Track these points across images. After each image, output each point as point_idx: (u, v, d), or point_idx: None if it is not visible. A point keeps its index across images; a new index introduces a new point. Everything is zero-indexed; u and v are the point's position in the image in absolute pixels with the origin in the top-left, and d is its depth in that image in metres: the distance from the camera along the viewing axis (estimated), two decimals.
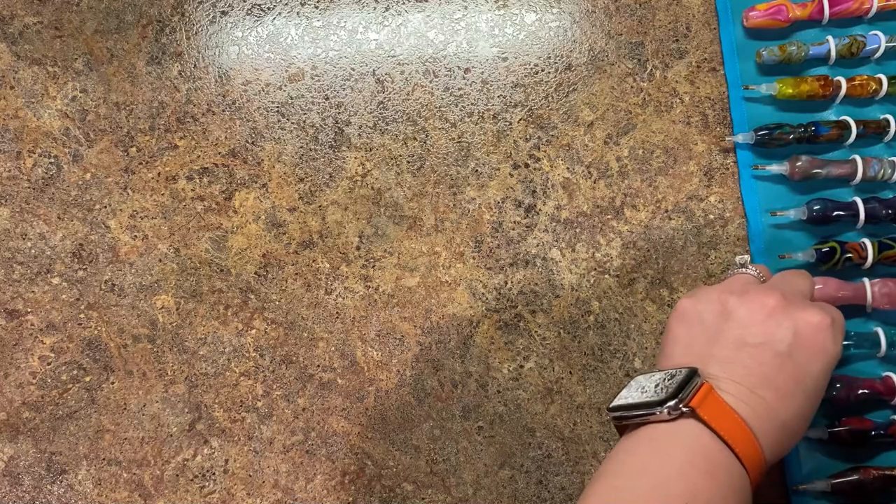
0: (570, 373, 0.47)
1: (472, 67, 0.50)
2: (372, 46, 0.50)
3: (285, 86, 0.50)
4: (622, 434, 0.35)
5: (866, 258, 0.44)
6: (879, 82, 0.46)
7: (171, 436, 0.47)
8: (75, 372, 0.48)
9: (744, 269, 0.40)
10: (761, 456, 0.33)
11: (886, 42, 0.46)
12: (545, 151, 0.48)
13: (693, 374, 0.34)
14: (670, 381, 0.34)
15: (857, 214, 0.45)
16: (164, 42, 0.50)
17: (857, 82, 0.46)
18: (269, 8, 0.51)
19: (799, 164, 0.45)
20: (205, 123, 0.50)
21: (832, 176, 0.45)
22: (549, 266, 0.47)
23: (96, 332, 0.48)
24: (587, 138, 0.48)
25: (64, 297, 0.48)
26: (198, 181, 0.49)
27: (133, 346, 0.48)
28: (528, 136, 0.49)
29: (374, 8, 0.50)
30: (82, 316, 0.48)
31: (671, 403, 0.32)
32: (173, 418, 0.47)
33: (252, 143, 0.49)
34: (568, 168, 0.48)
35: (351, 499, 0.46)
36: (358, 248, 0.48)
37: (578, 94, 0.49)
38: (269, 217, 0.49)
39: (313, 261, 0.48)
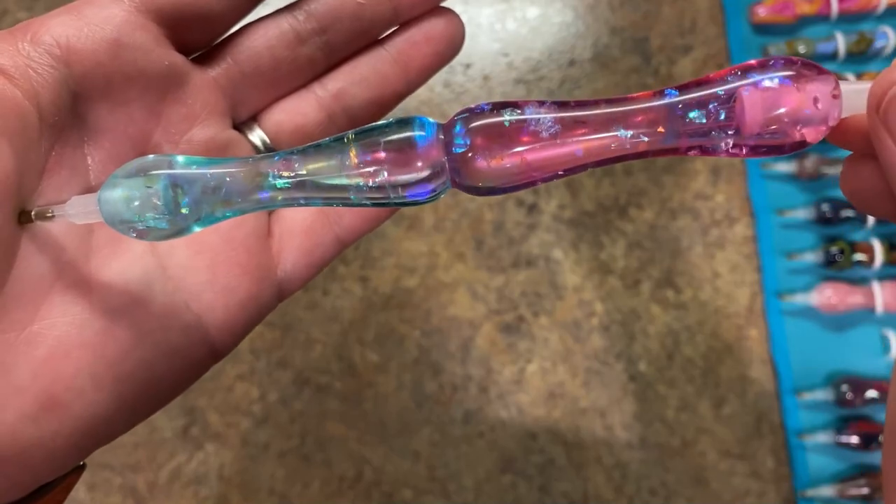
0: (573, 376, 0.46)
1: (473, 63, 0.49)
2: None
3: None
4: None
5: (875, 258, 0.43)
6: None
7: (165, 440, 0.46)
8: None
9: None
10: None
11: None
12: None
13: None
14: None
15: (865, 214, 0.44)
16: None
17: (866, 80, 0.45)
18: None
19: (807, 162, 0.44)
20: None
21: None
22: (551, 267, 0.46)
23: None
24: None
25: None
26: None
27: None
28: None
29: None
30: None
31: None
32: (167, 422, 0.46)
33: None
34: None
35: None
36: (356, 248, 0.47)
37: (582, 90, 0.48)
38: None
39: None
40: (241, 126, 0.22)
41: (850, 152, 0.18)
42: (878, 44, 0.46)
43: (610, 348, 0.46)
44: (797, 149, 0.16)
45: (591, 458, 0.45)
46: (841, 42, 0.45)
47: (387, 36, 0.23)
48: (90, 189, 0.19)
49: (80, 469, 0.20)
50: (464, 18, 0.22)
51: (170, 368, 0.20)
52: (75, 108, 0.19)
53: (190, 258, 0.20)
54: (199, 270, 0.20)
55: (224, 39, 0.21)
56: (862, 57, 0.47)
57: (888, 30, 0.46)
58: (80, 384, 0.18)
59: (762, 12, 0.46)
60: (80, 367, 0.18)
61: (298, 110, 0.22)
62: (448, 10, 0.23)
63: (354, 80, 0.23)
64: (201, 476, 0.46)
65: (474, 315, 0.46)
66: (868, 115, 0.15)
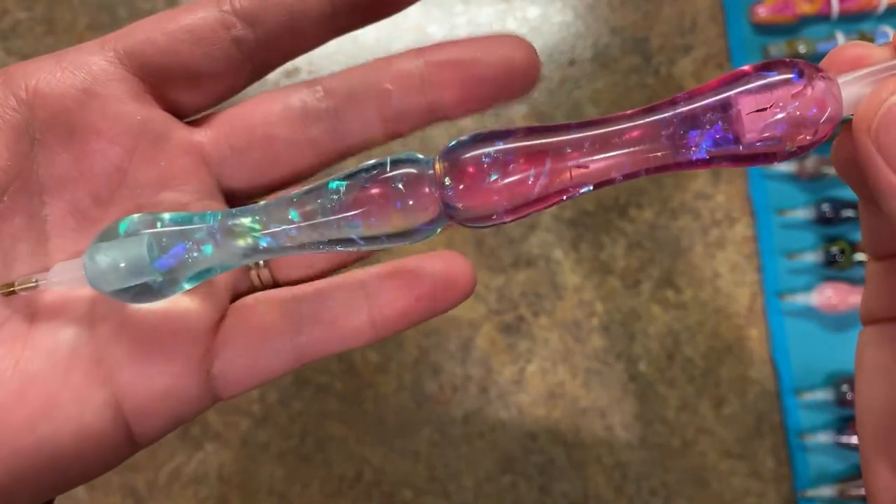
0: (573, 376, 0.46)
1: None
2: (370, 41, 0.48)
3: (281, 82, 0.49)
4: None
5: None
6: None
7: (165, 440, 0.46)
8: None
9: None
10: None
11: None
12: None
13: None
14: None
15: None
16: None
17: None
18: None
19: (808, 162, 0.44)
20: None
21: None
22: (551, 267, 0.46)
23: None
24: None
25: None
26: None
27: None
28: None
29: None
30: None
31: None
32: None
33: None
34: None
35: None
36: None
37: (582, 90, 0.48)
38: None
39: None
40: (233, 202, 0.20)
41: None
42: (879, 43, 0.46)
43: (610, 348, 0.46)
44: (801, 152, 0.15)
45: (592, 458, 0.45)
46: (841, 42, 0.45)
47: None
48: (46, 239, 0.18)
49: None
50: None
51: (78, 449, 0.17)
52: (34, 154, 0.17)
53: (117, 328, 0.18)
54: (122, 344, 0.18)
55: (228, 105, 0.20)
56: None
57: (889, 30, 0.46)
58: None
59: (762, 12, 0.46)
60: None
61: None
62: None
63: None
64: (201, 476, 0.46)
65: (474, 315, 0.46)
66: (856, 138, 0.14)
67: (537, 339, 0.46)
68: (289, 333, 0.19)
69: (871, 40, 0.46)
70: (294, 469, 0.45)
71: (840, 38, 0.45)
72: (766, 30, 0.47)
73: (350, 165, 0.20)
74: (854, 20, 0.47)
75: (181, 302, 0.18)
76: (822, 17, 0.47)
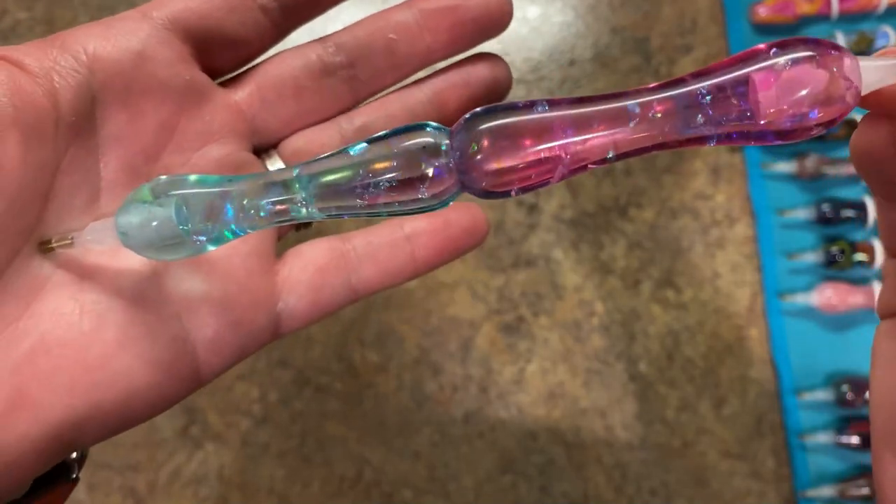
0: (574, 376, 0.46)
1: None
2: None
3: None
4: None
5: (875, 258, 0.43)
6: None
7: (165, 440, 0.46)
8: None
9: None
10: None
11: None
12: None
13: None
14: None
15: (866, 214, 0.44)
16: None
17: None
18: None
19: (808, 162, 0.44)
20: None
21: (841, 175, 0.45)
22: (551, 267, 0.46)
23: None
24: None
25: None
26: None
27: None
28: None
29: (373, 1, 0.49)
30: None
31: None
32: (167, 422, 0.46)
33: None
34: None
35: None
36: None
37: (583, 90, 0.48)
38: None
39: None
40: (260, 151, 0.22)
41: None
42: (879, 43, 0.46)
43: (610, 348, 0.46)
44: (818, 131, 0.15)
45: (592, 458, 0.45)
46: (841, 42, 0.45)
47: (425, 77, 0.23)
48: (98, 194, 0.19)
49: (71, 482, 0.19)
50: None
51: (150, 382, 0.19)
52: (94, 112, 0.19)
53: (188, 270, 0.20)
54: (195, 283, 0.20)
55: (253, 65, 0.22)
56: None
57: (889, 29, 0.46)
58: (55, 384, 0.17)
59: (763, 12, 0.46)
60: (59, 366, 0.18)
61: (319, 141, 0.22)
62: (493, 56, 0.23)
63: (381, 116, 0.22)
64: (201, 476, 0.46)
65: (474, 315, 0.46)
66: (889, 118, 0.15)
67: (537, 339, 0.46)
68: (346, 272, 0.22)
69: (871, 40, 0.46)
70: (294, 469, 0.45)
71: (840, 38, 0.45)
72: (766, 30, 0.47)
73: (370, 111, 0.22)
74: (854, 20, 0.47)
75: (243, 239, 0.20)
76: (822, 17, 0.47)
